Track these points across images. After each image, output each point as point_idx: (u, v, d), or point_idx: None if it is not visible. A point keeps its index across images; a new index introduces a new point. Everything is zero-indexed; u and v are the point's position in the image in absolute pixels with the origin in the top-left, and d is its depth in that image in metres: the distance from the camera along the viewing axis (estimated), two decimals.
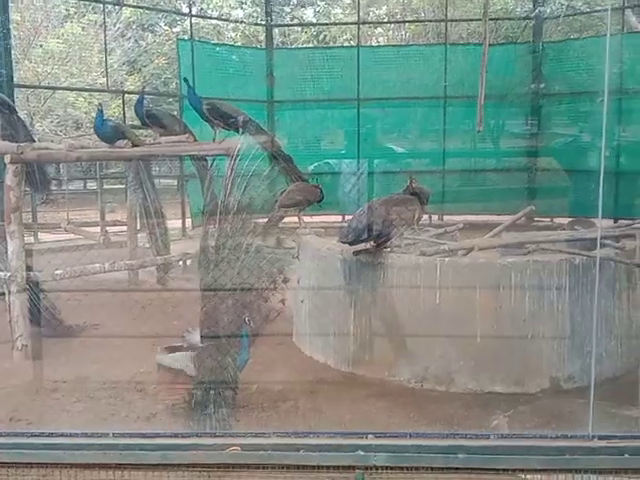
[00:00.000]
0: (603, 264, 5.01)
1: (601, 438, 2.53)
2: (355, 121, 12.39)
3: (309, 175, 6.72)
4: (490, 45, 12.73)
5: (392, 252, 5.19)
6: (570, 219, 8.53)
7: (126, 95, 12.94)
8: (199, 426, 3.91)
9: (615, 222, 7.64)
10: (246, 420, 4.45)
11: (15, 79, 10.69)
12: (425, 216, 7.20)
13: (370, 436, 2.57)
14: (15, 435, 2.58)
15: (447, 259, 4.99)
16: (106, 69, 11.44)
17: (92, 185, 13.64)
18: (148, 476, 2.56)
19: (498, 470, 2.52)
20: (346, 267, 5.32)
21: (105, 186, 12.30)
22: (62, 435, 2.57)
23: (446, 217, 10.97)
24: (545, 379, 4.93)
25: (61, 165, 9.84)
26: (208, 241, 4.52)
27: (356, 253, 5.14)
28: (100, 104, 6.86)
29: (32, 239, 9.80)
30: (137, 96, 8.16)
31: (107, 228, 9.19)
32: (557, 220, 10.03)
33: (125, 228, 7.75)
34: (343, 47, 14.66)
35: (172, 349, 4.44)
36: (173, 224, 10.16)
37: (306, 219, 7.01)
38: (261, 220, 6.11)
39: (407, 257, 5.09)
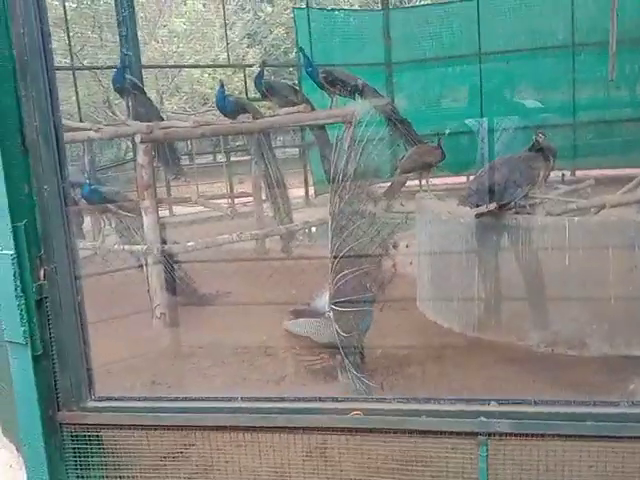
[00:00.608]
0: None
1: None
2: (478, 77, 11.98)
3: (435, 136, 6.56)
4: None
5: (517, 213, 5.02)
6: None
7: (247, 68, 13.22)
8: (325, 389, 4.02)
9: None
10: (373, 384, 4.52)
11: (143, 60, 11.24)
12: (557, 173, 6.92)
13: (493, 403, 2.53)
14: (153, 400, 2.77)
15: (576, 218, 4.76)
16: (226, 44, 11.72)
17: (221, 158, 14.16)
18: (275, 438, 2.67)
19: (630, 438, 2.41)
20: (468, 231, 5.21)
21: (232, 159, 12.74)
22: (195, 399, 2.73)
23: (579, 172, 10.41)
24: None
25: (192, 140, 10.27)
26: (333, 208, 4.58)
27: (478, 216, 5.01)
28: (221, 80, 7.07)
29: (167, 213, 10.37)
30: (257, 69, 8.33)
31: (234, 200, 9.56)
32: None
33: (251, 199, 8.01)
34: (461, 1, 14.14)
35: (297, 313, 4.57)
36: (297, 193, 10.39)
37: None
38: (383, 186, 6.13)
39: (533, 218, 4.91)
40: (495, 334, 5.10)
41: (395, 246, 4.78)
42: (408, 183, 6.82)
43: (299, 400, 2.73)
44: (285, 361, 4.80)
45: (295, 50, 13.51)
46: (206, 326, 5.68)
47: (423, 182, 6.25)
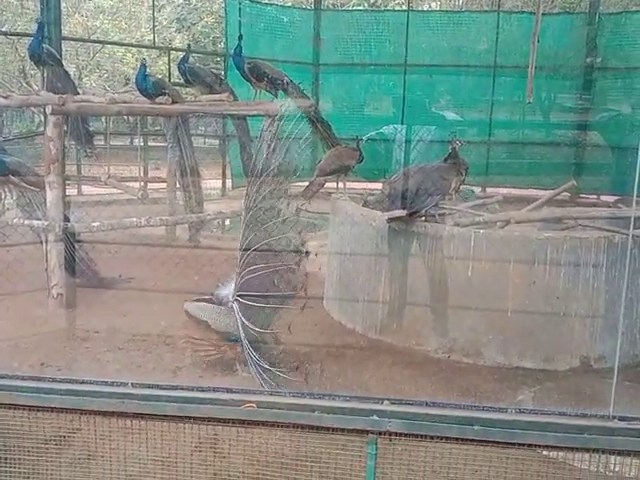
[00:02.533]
0: None
1: (622, 419, 2.47)
2: (401, 87, 12.19)
3: (354, 140, 6.60)
4: (544, 14, 12.38)
5: (426, 221, 5.12)
6: (617, 197, 8.30)
7: (173, 53, 12.92)
8: (223, 381, 3.95)
9: None
10: (270, 379, 4.50)
11: (64, 32, 10.79)
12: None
13: (386, 402, 2.55)
14: (38, 379, 2.64)
15: (482, 231, 4.90)
16: (153, 26, 11.43)
17: (138, 142, 13.77)
18: (164, 427, 2.60)
19: (514, 444, 2.49)
20: (378, 234, 5.27)
21: (151, 143, 12.40)
22: (83, 382, 2.62)
23: (490, 189, 10.76)
24: (575, 357, 4.85)
25: (108, 120, 9.94)
26: (248, 201, 4.53)
27: (389, 221, 5.08)
28: (144, 59, 6.87)
29: (75, 191, 9.99)
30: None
31: (147, 184, 9.30)
32: (604, 198, 9.77)
33: (165, 185, 7.82)
34: (393, 11, 14.38)
35: (200, 301, 4.49)
36: (214, 184, 10.23)
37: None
38: (301, 185, 6.12)
39: (441, 227, 5.01)
40: (396, 338, 5.18)
41: (305, 247, 4.81)
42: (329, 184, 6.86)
43: (192, 389, 2.66)
44: (184, 351, 4.70)
45: (224, 40, 13.33)
46: (105, 310, 5.49)
47: (340, 184, 6.28)
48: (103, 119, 9.50)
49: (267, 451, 2.70)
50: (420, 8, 15.31)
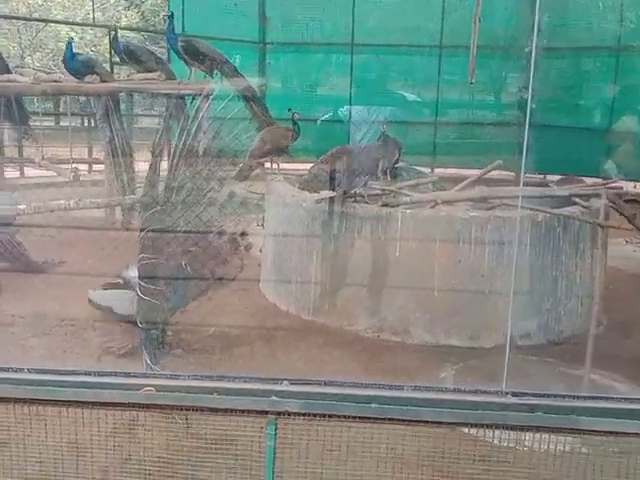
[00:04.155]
0: (567, 222, 4.96)
1: (514, 395, 2.52)
2: (349, 67, 12.15)
3: (294, 121, 6.57)
4: None
5: (355, 202, 5.14)
6: (562, 176, 8.46)
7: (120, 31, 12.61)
8: (131, 366, 3.92)
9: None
10: (198, 362, 4.49)
11: (5, 10, 10.45)
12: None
13: (285, 382, 2.56)
14: None
15: (408, 211, 4.94)
16: (92, 3, 11.16)
17: (81, 122, 13.48)
18: (62, 412, 2.57)
19: (410, 421, 2.53)
20: (309, 215, 5.28)
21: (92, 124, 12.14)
22: None
23: (438, 170, 10.83)
24: (500, 335, 4.92)
25: (58, 100, 9.70)
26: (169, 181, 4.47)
27: (318, 201, 5.08)
28: (71, 38, 6.70)
29: (18, 174, 9.75)
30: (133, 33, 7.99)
31: (91, 166, 9.14)
32: (550, 177, 9.93)
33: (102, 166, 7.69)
34: None
35: (112, 286, 4.44)
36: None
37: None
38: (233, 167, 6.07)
39: (369, 207, 5.04)
40: (328, 318, 5.21)
41: (240, 230, 4.78)
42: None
43: (89, 374, 2.63)
44: (112, 335, 4.65)
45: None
46: (32, 295, 5.39)
47: (275, 165, 6.26)
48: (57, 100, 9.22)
49: (173, 435, 2.70)
50: None
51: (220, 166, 4.84)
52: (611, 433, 2.54)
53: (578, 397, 2.52)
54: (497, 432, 2.55)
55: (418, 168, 7.77)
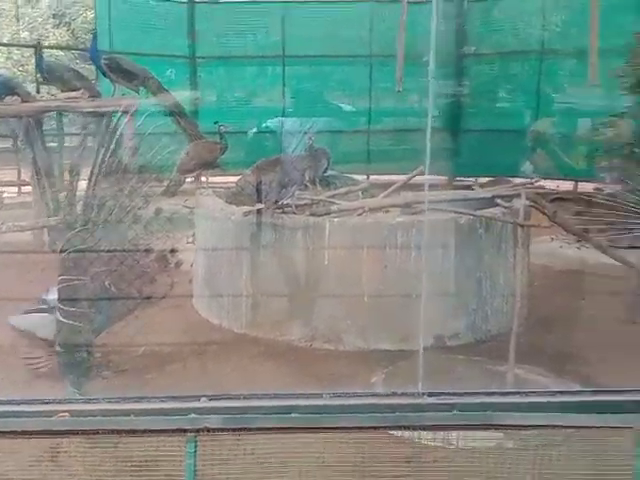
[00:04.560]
0: (489, 223, 5.09)
1: (431, 395, 2.58)
2: (281, 79, 12.21)
3: (221, 134, 6.55)
4: (415, 3, 12.65)
5: (283, 213, 5.16)
6: (492, 178, 8.64)
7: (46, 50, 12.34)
8: (54, 392, 3.84)
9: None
10: (127, 384, 4.42)
11: None
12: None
13: (203, 399, 2.56)
14: None
15: (336, 219, 4.99)
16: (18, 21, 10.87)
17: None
18: None
19: (331, 428, 2.55)
20: (238, 228, 5.27)
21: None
22: None
23: (373, 177, 10.94)
24: (430, 336, 5.02)
25: None
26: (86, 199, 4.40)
27: (246, 214, 5.09)
28: None
29: None
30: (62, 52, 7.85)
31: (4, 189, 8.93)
32: (481, 180, 10.14)
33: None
34: (267, 2, 14.32)
35: (36, 310, 4.34)
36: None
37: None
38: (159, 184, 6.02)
39: (297, 218, 5.07)
40: (261, 330, 5.21)
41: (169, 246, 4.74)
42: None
43: (7, 403, 2.57)
44: (32, 360, 4.53)
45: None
46: None
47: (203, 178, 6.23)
48: None
49: (91, 461, 2.65)
50: None
51: (144, 183, 4.80)
52: (526, 427, 2.62)
53: (492, 393, 2.59)
54: (419, 433, 2.61)
55: (352, 176, 7.86)
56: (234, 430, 2.52)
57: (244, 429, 2.52)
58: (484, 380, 4.24)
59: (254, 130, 9.37)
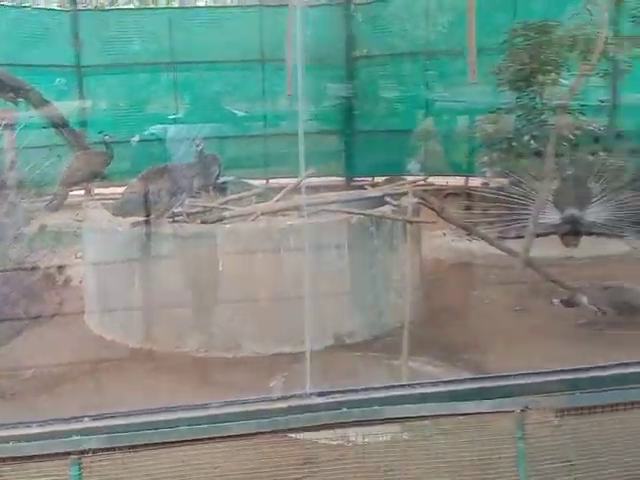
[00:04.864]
0: (379, 222, 5.19)
1: (320, 395, 2.58)
2: (172, 86, 12.01)
3: (107, 144, 6.36)
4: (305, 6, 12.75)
5: (174, 221, 5.06)
6: (388, 177, 8.80)
7: None
8: None
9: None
10: (15, 409, 4.20)
11: None
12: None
13: (86, 419, 2.46)
14: None
15: (227, 226, 4.94)
16: None
17: None
18: None
19: (222, 437, 2.51)
20: (127, 240, 5.13)
21: None
22: None
23: (272, 181, 10.91)
24: (329, 336, 5.06)
25: None
26: None
27: (134, 225, 4.95)
28: None
29: None
30: None
31: None
32: (378, 179, 10.31)
33: None
34: (153, 9, 14.09)
35: None
36: None
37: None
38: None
39: (188, 226, 4.99)
40: (156, 343, 5.09)
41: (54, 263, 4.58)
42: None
43: None
44: None
45: None
46: None
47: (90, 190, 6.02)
48: None
49: None
50: (188, 5, 15.12)
51: (23, 198, 4.62)
52: (415, 418, 2.67)
53: (379, 388, 2.62)
54: (314, 433, 2.61)
55: (249, 181, 7.81)
56: (119, 449, 2.43)
57: (130, 447, 2.44)
58: (380, 375, 4.31)
59: (137, 138, 9.16)
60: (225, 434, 2.48)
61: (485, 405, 2.68)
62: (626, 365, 2.75)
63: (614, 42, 5.93)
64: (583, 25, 5.59)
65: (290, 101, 12.35)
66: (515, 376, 2.77)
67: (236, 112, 12.42)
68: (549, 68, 5.32)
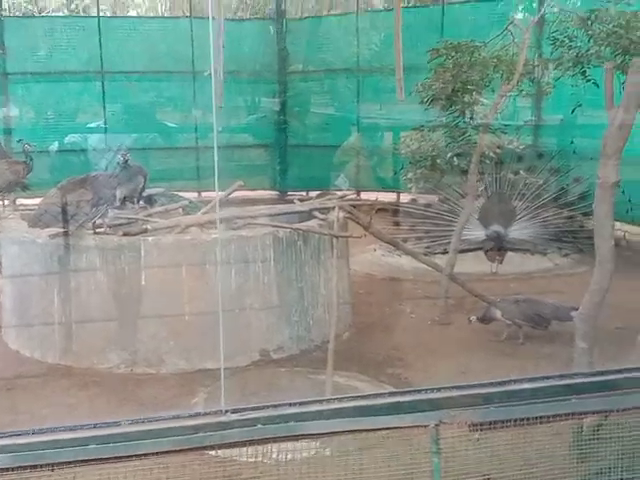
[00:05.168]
0: (306, 236, 5.19)
1: (234, 412, 2.53)
2: (100, 96, 11.78)
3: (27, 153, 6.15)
4: (234, 20, 12.79)
5: (95, 233, 4.93)
6: (321, 191, 8.83)
7: None
8: None
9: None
10: None
11: None
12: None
13: None
14: None
15: (150, 238, 4.84)
16: None
17: None
18: None
19: (131, 457, 2.43)
20: (46, 252, 4.96)
21: None
22: None
23: (205, 193, 10.78)
24: (255, 351, 5.01)
25: None
26: None
27: (52, 237, 4.79)
28: None
29: None
30: None
31: None
32: (312, 193, 10.34)
33: None
34: (83, 17, 13.80)
35: None
36: None
37: None
38: None
39: (109, 238, 4.86)
40: (76, 359, 4.93)
41: None
42: None
43: None
44: None
45: None
46: None
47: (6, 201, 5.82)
48: None
49: None
50: (122, 13, 14.85)
51: None
52: (331, 433, 2.65)
53: (294, 404, 2.60)
54: (221, 452, 2.56)
55: (180, 194, 7.70)
56: (24, 468, 2.32)
57: (36, 466, 2.34)
58: (305, 390, 4.29)
59: (55, 147, 8.93)
60: (134, 452, 2.41)
61: (400, 420, 2.69)
62: (541, 379, 2.80)
63: (536, 64, 6.14)
64: (507, 46, 5.76)
65: (221, 113, 12.35)
66: (430, 390, 2.79)
67: (167, 123, 12.30)
68: (470, 87, 5.46)
